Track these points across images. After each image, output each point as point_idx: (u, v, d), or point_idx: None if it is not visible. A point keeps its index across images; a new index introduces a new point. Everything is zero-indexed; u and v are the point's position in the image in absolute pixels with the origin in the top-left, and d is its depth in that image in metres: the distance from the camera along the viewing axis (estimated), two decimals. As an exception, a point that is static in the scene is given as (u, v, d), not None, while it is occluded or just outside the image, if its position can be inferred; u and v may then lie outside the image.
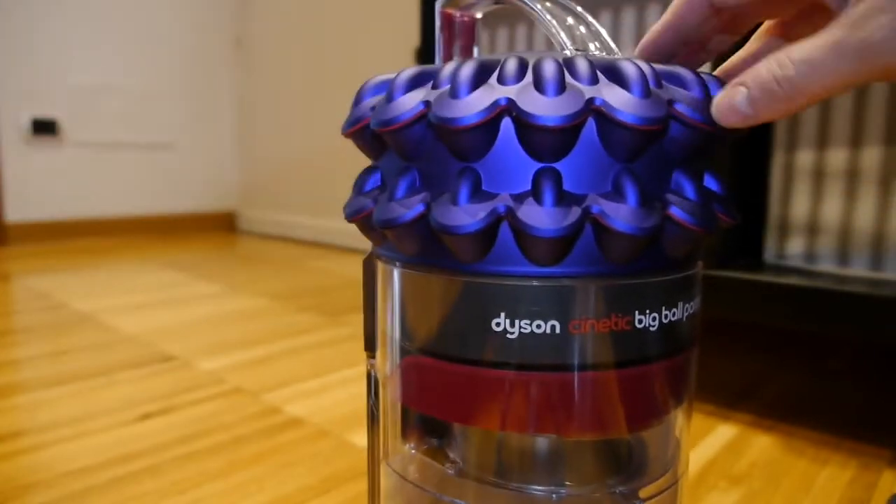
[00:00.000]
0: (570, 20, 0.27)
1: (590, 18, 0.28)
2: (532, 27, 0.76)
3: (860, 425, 0.62)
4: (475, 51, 0.33)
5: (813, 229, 0.61)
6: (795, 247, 0.63)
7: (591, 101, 0.21)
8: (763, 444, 0.58)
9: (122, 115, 2.08)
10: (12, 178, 1.87)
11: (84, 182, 2.02)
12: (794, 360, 0.84)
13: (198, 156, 2.29)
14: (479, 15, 0.32)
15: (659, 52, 0.27)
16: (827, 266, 0.61)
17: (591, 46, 0.26)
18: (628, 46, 0.68)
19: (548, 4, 0.27)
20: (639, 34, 0.68)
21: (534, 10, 0.26)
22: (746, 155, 0.63)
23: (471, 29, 0.32)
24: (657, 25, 0.27)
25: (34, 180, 1.92)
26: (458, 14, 0.31)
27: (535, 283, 0.22)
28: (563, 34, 0.26)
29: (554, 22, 0.26)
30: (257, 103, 2.28)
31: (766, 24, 0.27)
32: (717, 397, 0.69)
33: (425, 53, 0.89)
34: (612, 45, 0.27)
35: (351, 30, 1.85)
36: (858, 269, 0.59)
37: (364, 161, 0.27)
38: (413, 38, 1.04)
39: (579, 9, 0.28)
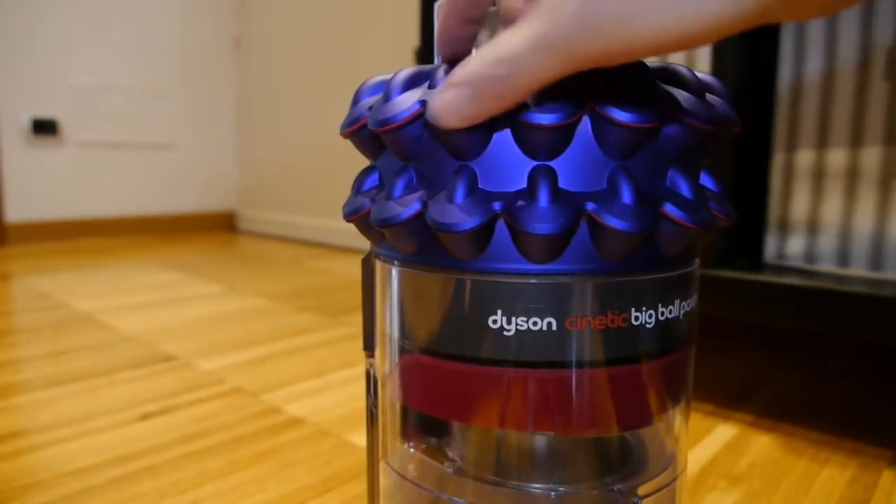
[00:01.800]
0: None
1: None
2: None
3: (860, 425, 0.62)
4: (474, 51, 0.33)
5: (813, 229, 0.61)
6: (795, 247, 0.63)
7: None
8: (763, 444, 0.58)
9: (122, 115, 2.08)
10: (12, 178, 1.87)
11: (84, 182, 2.02)
12: (794, 360, 0.84)
13: (198, 156, 2.29)
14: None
15: (452, 42, 0.27)
16: (827, 266, 0.61)
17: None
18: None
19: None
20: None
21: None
22: (746, 155, 0.63)
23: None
24: (440, 17, 0.26)
25: (34, 180, 1.92)
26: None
27: (531, 280, 0.22)
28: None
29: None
30: (257, 103, 2.28)
31: None
32: (716, 397, 0.69)
33: (425, 53, 0.89)
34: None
35: (351, 30, 1.85)
36: (858, 269, 0.59)
37: (363, 161, 0.28)
38: (413, 38, 1.04)
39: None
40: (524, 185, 0.22)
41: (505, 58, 0.19)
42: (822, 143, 0.60)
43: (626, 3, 0.16)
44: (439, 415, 0.26)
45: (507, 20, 0.25)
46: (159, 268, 1.51)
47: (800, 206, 0.62)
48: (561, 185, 0.22)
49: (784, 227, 0.63)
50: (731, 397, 0.69)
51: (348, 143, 0.27)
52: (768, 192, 0.64)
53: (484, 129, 0.22)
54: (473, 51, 0.28)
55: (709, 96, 0.24)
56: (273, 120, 2.22)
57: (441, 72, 0.23)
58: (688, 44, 0.17)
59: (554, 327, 0.22)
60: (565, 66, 0.18)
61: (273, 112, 2.21)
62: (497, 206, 0.21)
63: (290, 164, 2.17)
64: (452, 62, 0.22)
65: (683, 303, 0.25)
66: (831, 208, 0.60)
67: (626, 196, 0.21)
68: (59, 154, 1.97)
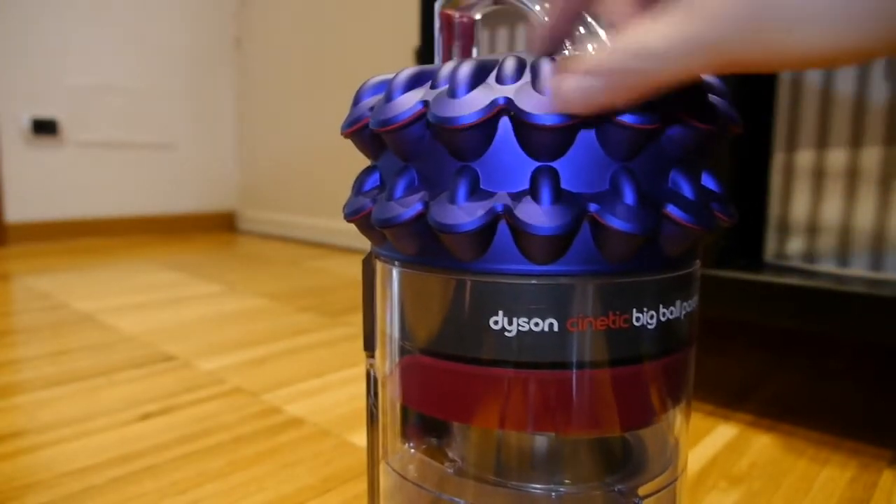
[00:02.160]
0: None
1: (588, 18, 0.28)
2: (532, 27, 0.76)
3: (860, 425, 0.62)
4: (474, 51, 0.33)
5: (813, 229, 0.61)
6: (795, 247, 0.63)
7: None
8: (763, 444, 0.58)
9: (122, 115, 2.08)
10: (12, 178, 1.87)
11: (84, 182, 2.02)
12: (794, 360, 0.84)
13: (198, 156, 2.29)
14: (478, 16, 0.32)
15: (557, 39, 0.26)
16: (827, 266, 0.61)
17: (589, 47, 0.26)
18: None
19: (546, 5, 0.27)
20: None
21: (532, 10, 0.26)
22: (746, 155, 0.63)
23: (470, 29, 0.32)
24: (550, 17, 0.25)
25: (34, 180, 1.92)
26: (457, 15, 0.31)
27: (532, 281, 0.22)
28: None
29: (553, 21, 0.26)
30: (257, 103, 2.28)
31: None
32: (716, 397, 0.69)
33: (425, 53, 0.89)
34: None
35: (351, 30, 1.85)
36: (858, 269, 0.59)
37: (364, 161, 0.28)
38: (413, 38, 1.04)
39: (577, 9, 0.28)
40: (526, 185, 0.22)
41: (648, 52, 0.18)
42: (822, 143, 0.60)
43: (796, 10, 0.16)
44: (440, 416, 0.26)
45: (612, 21, 0.24)
46: (159, 268, 1.51)
47: (800, 206, 0.62)
48: (563, 185, 0.22)
49: (784, 227, 0.63)
50: (731, 397, 0.69)
51: (348, 142, 0.27)
52: (768, 192, 0.64)
53: (486, 130, 0.22)
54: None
55: (710, 96, 0.24)
56: (273, 120, 2.22)
57: (546, 64, 0.22)
58: (846, 60, 0.17)
59: (555, 328, 0.22)
60: (712, 68, 0.18)
61: (273, 112, 2.21)
62: (499, 206, 0.21)
63: (290, 164, 2.16)
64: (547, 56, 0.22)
65: (684, 303, 0.25)
66: (831, 208, 0.60)
67: (629, 197, 0.21)
68: (59, 154, 1.96)
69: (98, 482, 0.50)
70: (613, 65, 0.19)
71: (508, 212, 0.21)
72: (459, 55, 0.32)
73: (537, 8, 0.27)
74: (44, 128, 1.91)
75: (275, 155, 2.23)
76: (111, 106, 2.05)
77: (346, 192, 0.28)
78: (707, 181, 0.24)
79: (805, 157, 0.61)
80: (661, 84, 0.19)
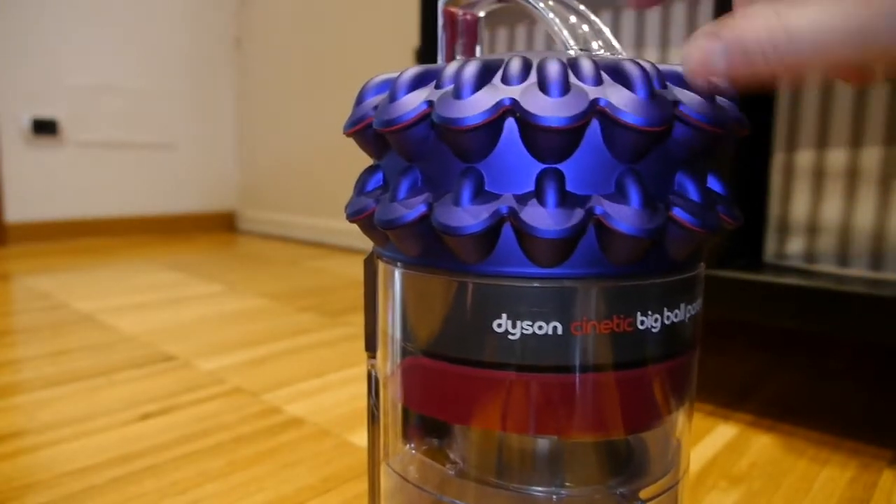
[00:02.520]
0: (573, 18, 0.27)
1: (592, 17, 0.27)
2: (532, 27, 0.76)
3: (860, 425, 0.62)
4: (478, 49, 0.33)
5: (813, 229, 0.61)
6: (795, 247, 0.63)
7: (595, 101, 0.21)
8: (763, 444, 0.58)
9: (122, 115, 2.08)
10: (12, 178, 1.87)
11: (84, 182, 2.02)
12: (794, 360, 0.84)
13: (198, 156, 2.29)
14: (481, 13, 0.32)
15: None
16: (827, 266, 0.61)
17: (594, 45, 0.26)
18: (629, 46, 0.68)
19: (550, 3, 0.27)
20: (639, 34, 0.68)
21: (536, 8, 0.26)
22: (746, 155, 0.63)
23: (473, 27, 0.32)
24: None
25: (34, 180, 1.92)
26: (460, 12, 0.31)
27: (537, 284, 0.22)
28: (565, 32, 0.26)
29: (557, 20, 0.26)
30: (257, 103, 2.28)
31: None
32: (717, 397, 0.69)
33: (425, 53, 0.89)
34: (615, 43, 0.27)
35: (351, 30, 1.85)
36: (858, 269, 0.59)
37: (364, 161, 0.27)
38: (413, 38, 1.04)
39: (582, 7, 0.28)
40: (531, 187, 0.22)
41: (796, 30, 0.17)
42: (822, 143, 0.60)
43: None
44: (442, 418, 0.26)
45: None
46: (159, 268, 1.51)
47: (800, 206, 0.62)
48: (568, 187, 0.22)
49: (784, 227, 0.63)
50: (731, 397, 0.69)
51: (349, 142, 0.27)
52: (768, 192, 0.64)
53: (491, 131, 0.22)
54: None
55: (717, 98, 0.23)
56: (273, 120, 2.22)
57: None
58: None
59: (559, 331, 0.22)
60: (860, 57, 0.17)
61: (273, 112, 2.21)
62: (504, 208, 0.21)
63: (290, 164, 2.16)
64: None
65: (689, 306, 0.25)
66: (831, 208, 0.60)
67: (635, 199, 0.21)
68: (59, 154, 1.96)
69: (98, 482, 0.50)
70: (755, 35, 0.18)
71: (513, 214, 0.21)
72: (463, 53, 0.32)
73: (541, 5, 0.27)
74: (44, 128, 1.91)
75: (275, 155, 2.23)
76: (111, 106, 2.05)
77: (346, 192, 0.28)
78: (712, 183, 0.24)
79: (805, 157, 0.61)
80: (799, 65, 0.18)
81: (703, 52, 0.19)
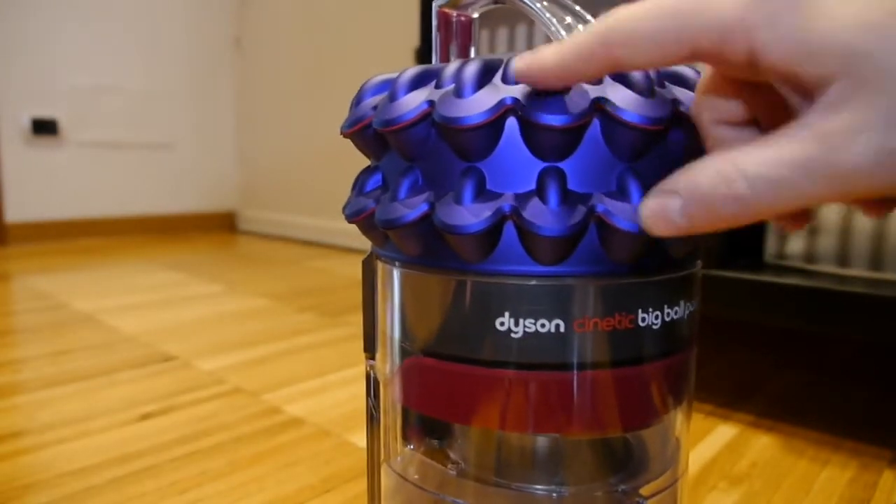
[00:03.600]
0: (569, 19, 0.27)
1: (588, 17, 0.28)
2: (532, 27, 0.76)
3: (860, 425, 0.62)
4: (472, 51, 0.33)
5: (813, 229, 0.61)
6: (795, 247, 0.63)
7: (596, 100, 0.21)
8: (763, 444, 0.58)
9: (122, 115, 2.08)
10: (12, 178, 1.87)
11: (84, 182, 2.02)
12: (794, 360, 0.84)
13: (198, 156, 2.29)
14: (475, 14, 0.32)
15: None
16: (827, 266, 0.61)
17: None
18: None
19: (545, 3, 0.27)
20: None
21: (533, 8, 0.26)
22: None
23: (468, 28, 0.32)
24: (550, 60, 0.21)
25: (34, 180, 1.92)
26: (455, 13, 0.31)
27: (539, 282, 0.22)
28: (563, 33, 0.26)
29: (553, 20, 0.26)
30: (257, 103, 2.28)
31: (708, 73, 0.21)
32: (717, 397, 0.69)
33: (425, 53, 0.89)
34: (613, 44, 0.27)
35: (350, 30, 1.85)
36: (858, 269, 0.59)
37: (363, 161, 0.27)
38: (413, 38, 1.04)
39: (577, 7, 0.28)
40: (533, 186, 0.22)
41: (755, 177, 0.16)
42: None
43: None
44: (444, 418, 0.26)
45: (718, 139, 0.22)
46: (159, 268, 1.51)
47: (800, 206, 0.62)
48: (570, 186, 0.22)
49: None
50: (731, 397, 0.69)
51: (349, 142, 0.27)
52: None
53: (492, 130, 0.22)
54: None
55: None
56: (273, 120, 2.22)
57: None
58: None
59: (562, 329, 0.22)
60: (829, 197, 0.16)
61: (273, 112, 2.21)
62: (506, 207, 0.21)
63: (290, 164, 2.16)
64: None
65: (687, 304, 0.25)
66: (831, 208, 0.60)
67: (635, 197, 0.21)
68: (59, 154, 1.96)
69: (98, 482, 0.50)
70: (707, 190, 0.17)
71: (516, 213, 0.21)
72: (457, 54, 0.32)
73: (537, 6, 0.27)
74: (44, 128, 1.91)
75: (275, 155, 2.23)
76: (111, 106, 2.05)
77: (346, 192, 0.28)
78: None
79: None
80: (760, 215, 0.17)
81: (660, 211, 0.19)
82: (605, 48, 0.19)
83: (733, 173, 0.17)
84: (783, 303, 0.56)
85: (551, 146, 0.21)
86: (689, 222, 0.18)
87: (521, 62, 0.21)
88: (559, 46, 0.20)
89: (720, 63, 0.19)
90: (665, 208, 0.18)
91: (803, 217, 0.22)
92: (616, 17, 0.18)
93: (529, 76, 0.21)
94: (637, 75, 0.21)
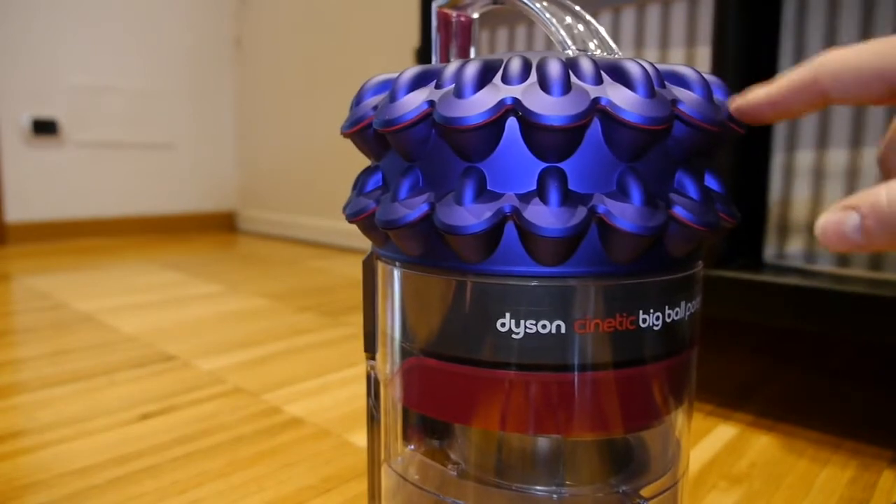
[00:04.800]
0: (569, 19, 0.27)
1: (588, 17, 0.28)
2: (532, 27, 0.76)
3: (860, 425, 0.62)
4: (472, 51, 0.33)
5: (813, 229, 0.61)
6: (795, 247, 0.63)
7: (596, 100, 0.21)
8: (763, 444, 0.58)
9: (122, 115, 2.08)
10: (12, 178, 1.87)
11: (84, 182, 2.02)
12: (794, 360, 0.84)
13: (198, 156, 2.29)
14: (475, 15, 0.32)
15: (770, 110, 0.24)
16: (827, 266, 0.61)
17: (591, 45, 0.26)
18: (629, 46, 0.68)
19: (545, 3, 0.27)
20: (639, 34, 0.68)
21: (533, 8, 0.26)
22: (746, 155, 0.63)
23: (468, 29, 0.32)
24: (763, 95, 0.23)
25: (34, 180, 1.92)
26: (454, 14, 0.31)
27: (540, 283, 0.22)
28: (562, 33, 0.26)
29: (553, 20, 0.26)
30: (257, 103, 2.28)
31: None
32: (717, 397, 0.69)
33: (425, 54, 0.89)
34: (611, 43, 0.27)
35: (350, 30, 1.85)
36: (858, 269, 0.59)
37: (363, 161, 0.27)
38: (413, 38, 1.04)
39: (577, 7, 0.28)
40: (533, 186, 0.22)
41: None
42: (822, 143, 0.60)
43: None
44: (445, 418, 0.26)
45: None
46: (159, 268, 1.51)
47: (800, 206, 0.62)
48: (570, 186, 0.22)
49: (784, 227, 0.63)
50: (731, 397, 0.69)
51: (349, 142, 0.27)
52: (768, 192, 0.64)
53: (493, 130, 0.22)
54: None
55: (715, 97, 0.24)
56: (273, 120, 2.22)
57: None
58: None
59: (563, 330, 0.22)
60: None
61: (273, 112, 2.21)
62: (507, 207, 0.21)
63: (290, 164, 2.16)
64: None
65: (688, 304, 0.25)
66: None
67: (636, 198, 0.21)
68: (59, 154, 1.96)
69: (98, 482, 0.50)
70: (889, 206, 0.18)
71: (516, 213, 0.21)
72: (457, 54, 0.32)
73: (537, 6, 0.27)
74: (44, 128, 1.91)
75: (275, 155, 2.23)
76: (111, 106, 2.05)
77: (346, 192, 0.28)
78: (710, 182, 0.24)
79: (805, 157, 0.61)
80: None
81: (837, 225, 0.19)
82: (815, 84, 0.21)
83: None
84: (783, 303, 0.56)
85: (552, 146, 0.21)
86: (866, 239, 0.18)
87: (734, 101, 0.23)
88: (771, 84, 0.22)
89: None
90: (842, 223, 0.19)
91: None
92: (828, 56, 0.21)
93: (743, 111, 0.23)
94: (637, 75, 0.21)
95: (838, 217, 0.19)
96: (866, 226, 0.18)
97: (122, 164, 2.10)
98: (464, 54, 0.32)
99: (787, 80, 0.21)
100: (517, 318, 0.22)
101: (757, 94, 0.23)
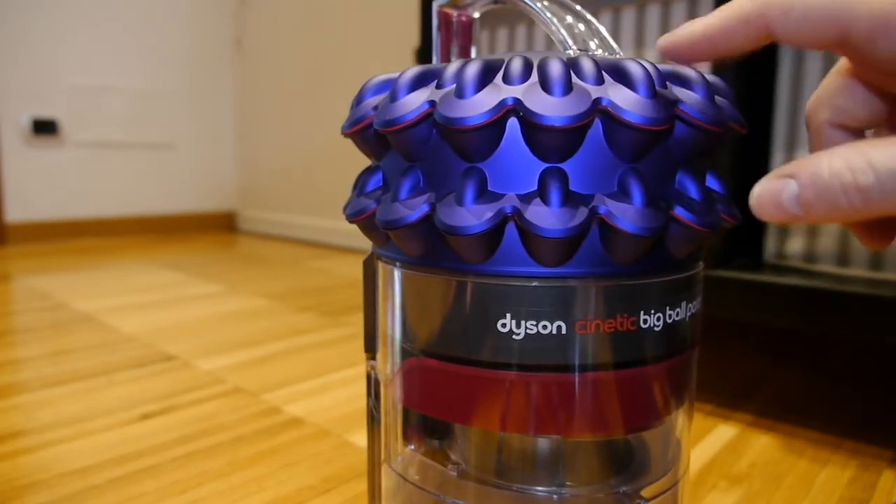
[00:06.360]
0: (570, 18, 0.27)
1: (589, 16, 0.27)
2: (532, 27, 0.76)
3: (860, 425, 0.62)
4: (473, 51, 0.33)
5: (813, 229, 0.61)
6: (795, 247, 0.63)
7: (597, 101, 0.21)
8: (763, 444, 0.58)
9: (122, 115, 2.08)
10: (12, 178, 1.87)
11: (84, 182, 2.02)
12: (794, 360, 0.84)
13: (198, 156, 2.29)
14: (476, 14, 0.32)
15: (680, 57, 0.23)
16: (827, 266, 0.61)
17: (591, 45, 0.26)
18: (628, 47, 0.68)
19: (546, 3, 0.27)
20: (639, 34, 0.68)
21: (533, 8, 0.26)
22: (746, 155, 0.63)
23: (468, 28, 0.32)
24: (699, 28, 0.22)
25: (34, 180, 1.92)
26: (455, 13, 0.31)
27: (540, 283, 0.22)
28: (563, 32, 0.26)
29: (554, 20, 0.26)
30: (257, 103, 2.28)
31: (839, 72, 0.20)
32: (717, 397, 0.69)
33: (425, 53, 0.89)
34: (612, 42, 0.27)
35: (350, 30, 1.85)
36: (858, 269, 0.59)
37: (363, 161, 0.27)
38: (413, 38, 1.04)
39: (578, 7, 0.28)
40: (534, 187, 0.22)
41: (885, 170, 0.15)
42: (823, 143, 0.60)
43: None
44: (446, 419, 0.26)
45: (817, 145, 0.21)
46: (159, 268, 1.51)
47: (800, 206, 0.62)
48: (572, 187, 0.22)
49: (784, 227, 0.63)
50: (731, 397, 0.69)
51: (349, 142, 0.27)
52: (769, 192, 0.64)
53: (494, 130, 0.22)
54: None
55: (715, 97, 0.23)
56: (273, 120, 2.22)
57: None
58: None
59: (563, 331, 0.22)
60: None
61: (273, 112, 2.21)
62: (508, 208, 0.21)
63: (290, 164, 2.16)
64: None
65: (689, 305, 0.25)
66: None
67: (637, 198, 0.21)
68: (59, 154, 1.96)
69: (98, 482, 0.50)
70: (832, 178, 0.16)
71: (517, 214, 0.21)
72: (458, 54, 0.32)
73: (538, 5, 0.27)
74: (44, 128, 1.91)
75: (275, 155, 2.23)
76: (111, 106, 2.05)
77: (346, 192, 0.28)
78: (711, 182, 0.24)
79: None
80: (879, 212, 0.16)
81: (773, 194, 0.18)
82: (761, 17, 0.19)
83: (862, 164, 0.16)
84: (783, 303, 0.56)
85: (553, 147, 0.21)
86: (803, 210, 0.17)
87: (664, 39, 0.21)
88: (707, 17, 0.20)
89: (863, 60, 0.18)
90: (778, 192, 0.18)
91: (894, 230, 0.21)
92: None
93: (676, 49, 0.21)
94: (638, 75, 0.21)
95: (774, 185, 0.18)
96: (804, 197, 0.17)
97: (122, 164, 2.10)
98: (465, 54, 0.32)
99: (728, 10, 0.19)
100: (518, 318, 0.22)
101: (692, 28, 0.20)
